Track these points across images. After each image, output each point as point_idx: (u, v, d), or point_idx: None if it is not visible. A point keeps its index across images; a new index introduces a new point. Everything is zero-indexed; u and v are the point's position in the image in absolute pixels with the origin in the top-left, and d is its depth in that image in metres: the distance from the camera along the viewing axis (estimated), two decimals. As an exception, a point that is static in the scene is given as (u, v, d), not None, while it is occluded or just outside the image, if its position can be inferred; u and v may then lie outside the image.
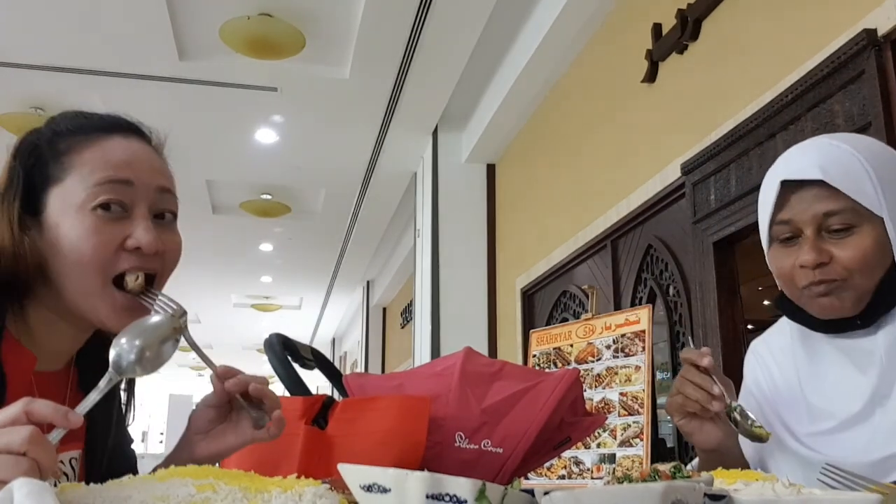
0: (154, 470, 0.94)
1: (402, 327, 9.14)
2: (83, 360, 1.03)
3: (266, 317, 12.77)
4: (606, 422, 2.66)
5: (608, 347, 2.78)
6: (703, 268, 2.89)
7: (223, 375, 0.94)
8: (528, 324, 4.77)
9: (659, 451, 3.07)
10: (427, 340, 5.53)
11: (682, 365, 1.15)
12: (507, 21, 4.39)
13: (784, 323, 1.24)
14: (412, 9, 4.18)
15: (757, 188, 2.63)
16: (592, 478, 2.62)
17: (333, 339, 14.75)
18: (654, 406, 2.95)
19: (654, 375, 2.92)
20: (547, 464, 2.60)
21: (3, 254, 0.92)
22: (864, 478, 0.88)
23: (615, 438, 2.61)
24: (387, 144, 5.93)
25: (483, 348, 5.25)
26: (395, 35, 4.45)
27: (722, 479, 0.82)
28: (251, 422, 0.95)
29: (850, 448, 1.06)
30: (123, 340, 0.81)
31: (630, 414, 2.62)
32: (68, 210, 0.93)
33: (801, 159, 1.12)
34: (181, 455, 0.97)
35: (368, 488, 0.66)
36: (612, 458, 2.59)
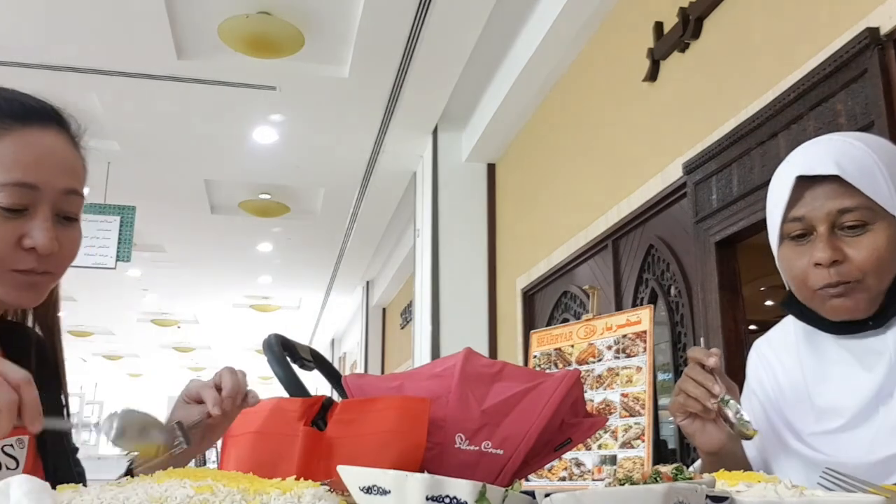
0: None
1: (402, 328, 9.14)
2: None
3: (265, 317, 12.77)
4: (607, 423, 2.65)
5: (609, 348, 2.77)
6: (705, 268, 2.88)
7: (220, 408, 0.99)
8: (529, 324, 4.76)
9: (660, 453, 3.06)
10: (427, 341, 5.53)
11: (689, 363, 1.14)
12: (507, 21, 4.39)
13: (788, 322, 1.23)
14: (412, 8, 4.17)
15: (759, 188, 2.64)
16: (593, 479, 2.61)
17: (333, 340, 14.75)
18: (656, 407, 2.94)
19: (655, 376, 2.91)
20: (548, 465, 2.59)
21: None
22: (863, 481, 0.87)
23: (616, 440, 2.60)
24: (386, 144, 5.93)
25: (483, 349, 5.25)
26: (394, 34, 4.45)
27: (724, 481, 0.81)
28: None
29: (853, 447, 1.06)
30: (116, 423, 0.86)
31: (631, 415, 2.61)
32: None
33: (815, 155, 1.11)
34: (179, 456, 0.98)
35: (368, 490, 0.66)
36: (613, 460, 2.58)
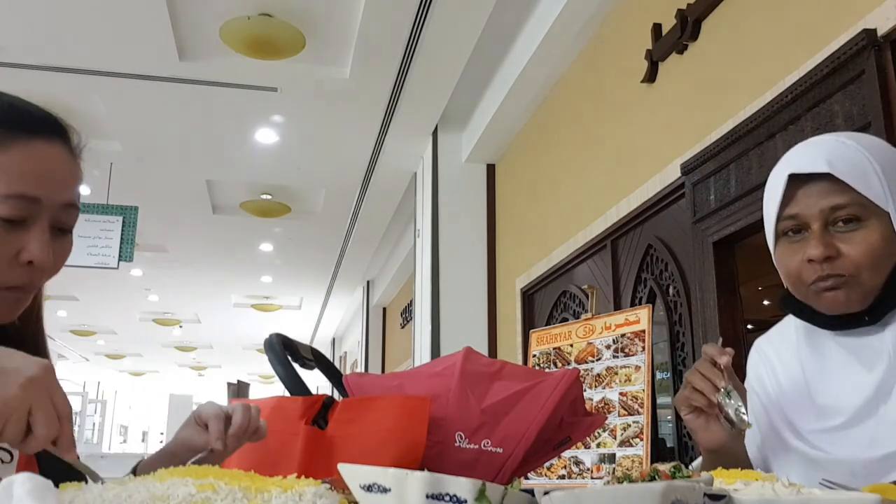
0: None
1: (402, 327, 9.14)
2: None
3: (266, 317, 12.77)
4: (606, 422, 2.66)
5: (608, 347, 2.78)
6: (703, 268, 2.89)
7: (224, 443, 1.00)
8: (528, 324, 4.77)
9: (659, 451, 3.07)
10: (427, 340, 5.53)
11: (702, 357, 1.15)
12: (507, 21, 4.39)
13: (789, 321, 1.24)
14: (412, 9, 4.18)
15: (757, 188, 2.64)
16: (592, 477, 2.62)
17: (333, 339, 14.75)
18: (654, 406, 2.95)
19: (653, 375, 2.92)
20: (547, 464, 2.60)
21: None
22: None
23: (615, 438, 2.61)
24: (387, 144, 5.93)
25: (483, 348, 5.25)
26: (395, 35, 4.45)
27: (722, 479, 0.82)
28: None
29: (854, 445, 1.06)
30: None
31: (630, 414, 2.62)
32: None
33: (808, 154, 1.12)
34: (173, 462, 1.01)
35: (368, 488, 0.66)
36: (611, 458, 2.59)
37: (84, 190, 1.04)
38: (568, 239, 4.25)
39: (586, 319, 2.92)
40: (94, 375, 19.85)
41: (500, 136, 5.35)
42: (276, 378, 1.36)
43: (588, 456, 2.67)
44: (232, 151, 6.35)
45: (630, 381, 2.66)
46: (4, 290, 0.93)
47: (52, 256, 0.94)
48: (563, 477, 2.74)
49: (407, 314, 8.60)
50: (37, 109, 0.99)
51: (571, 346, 2.94)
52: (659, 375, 3.25)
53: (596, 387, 2.76)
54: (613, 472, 0.88)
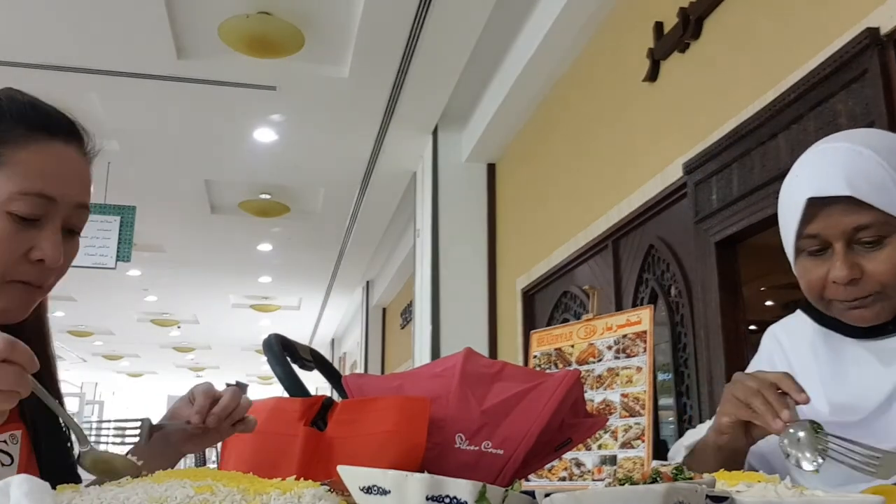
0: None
1: (402, 328, 9.14)
2: None
3: (265, 317, 12.77)
4: (607, 423, 2.65)
5: (609, 348, 2.77)
6: (705, 268, 2.88)
7: (203, 418, 1.02)
8: (529, 324, 4.76)
9: (660, 453, 3.06)
10: (427, 341, 5.53)
11: (764, 381, 1.06)
12: (507, 21, 4.39)
13: (803, 315, 1.23)
14: (412, 8, 4.17)
15: (760, 188, 2.64)
16: (593, 479, 2.61)
17: (333, 340, 14.75)
18: (656, 407, 2.94)
19: (655, 377, 2.91)
20: (548, 465, 2.59)
21: None
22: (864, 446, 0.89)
23: (616, 440, 2.60)
24: (386, 144, 5.93)
25: (483, 349, 5.25)
26: (394, 34, 4.45)
27: (724, 481, 0.81)
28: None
29: (867, 438, 1.06)
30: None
31: (631, 415, 2.61)
32: None
33: (827, 174, 1.08)
34: (166, 450, 1.05)
35: (368, 490, 0.66)
36: (613, 460, 2.58)
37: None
38: (569, 239, 4.24)
39: (587, 320, 2.90)
40: (91, 376, 19.86)
41: (501, 136, 5.35)
42: (275, 379, 1.35)
43: (589, 457, 2.66)
44: (230, 151, 6.35)
45: (631, 382, 2.65)
46: (15, 283, 0.95)
47: (62, 256, 0.96)
48: (564, 479, 2.73)
49: (407, 315, 8.60)
50: (56, 112, 1.02)
51: (572, 346, 2.93)
52: (661, 377, 3.24)
53: (597, 388, 2.75)
54: (615, 474, 0.88)
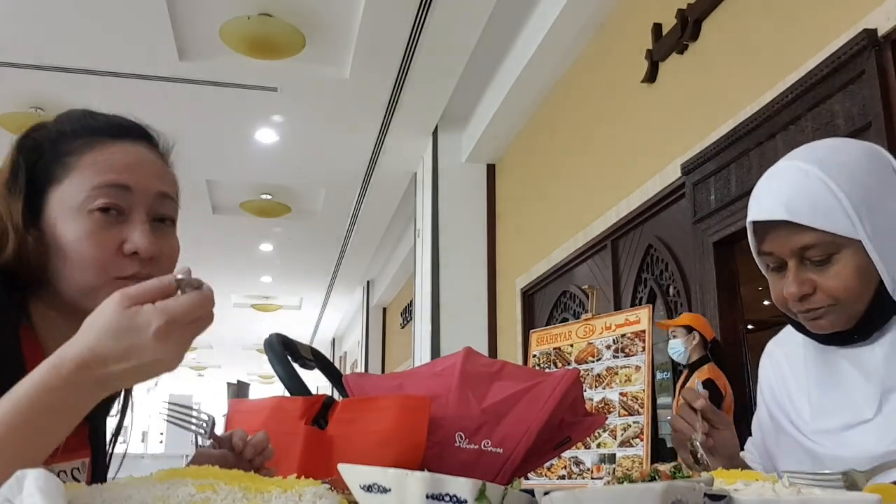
0: None
1: (402, 327, 9.14)
2: None
3: (266, 317, 12.77)
4: (606, 422, 2.66)
5: (608, 347, 2.78)
6: (704, 268, 2.89)
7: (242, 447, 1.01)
8: (528, 324, 4.77)
9: (659, 452, 3.07)
10: (427, 340, 5.53)
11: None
12: (507, 21, 4.39)
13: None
14: (412, 9, 4.18)
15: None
16: (592, 478, 2.62)
17: (333, 339, 14.75)
18: (654, 406, 2.94)
19: (654, 375, 2.91)
20: (547, 464, 2.60)
21: (6, 253, 0.91)
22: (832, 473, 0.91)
23: (615, 438, 2.61)
24: (387, 144, 5.93)
25: (483, 348, 5.25)
26: (395, 35, 4.45)
27: (722, 480, 0.82)
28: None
29: (856, 444, 1.07)
30: None
31: (630, 414, 2.61)
32: (66, 212, 0.92)
33: (767, 198, 1.10)
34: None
35: (368, 488, 0.66)
36: (612, 459, 2.59)
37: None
38: (568, 239, 4.25)
39: (586, 319, 2.91)
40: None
41: (500, 136, 5.36)
42: (276, 378, 1.36)
43: (588, 456, 2.67)
44: (232, 151, 6.35)
45: (630, 381, 2.66)
46: (120, 280, 0.94)
47: (154, 245, 0.95)
48: (563, 477, 2.74)
49: (407, 314, 8.60)
50: (121, 118, 1.03)
51: (571, 346, 2.94)
52: (659, 376, 3.25)
53: (596, 387, 2.76)
54: (614, 473, 0.88)
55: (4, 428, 0.68)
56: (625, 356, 2.66)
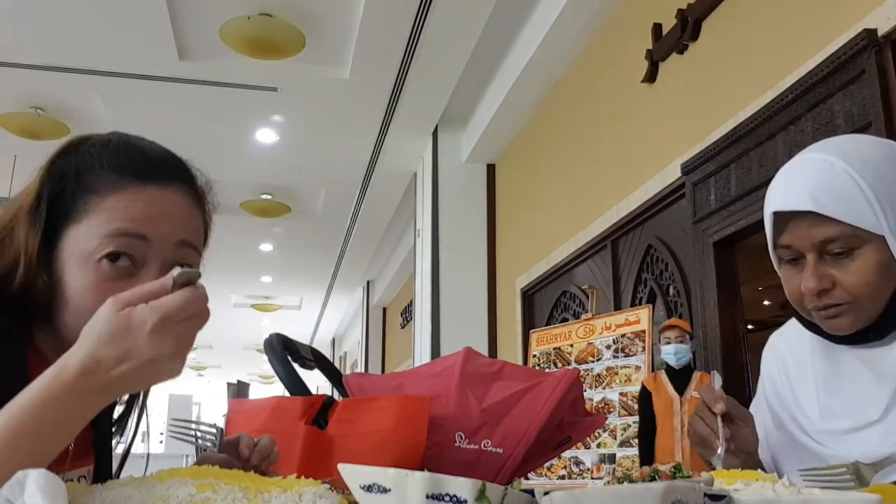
0: None
1: (402, 327, 9.15)
2: None
3: (266, 317, 12.77)
4: (606, 422, 2.66)
5: (608, 347, 2.78)
6: (704, 268, 2.89)
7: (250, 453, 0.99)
8: (529, 324, 4.77)
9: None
10: (427, 340, 5.53)
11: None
12: (507, 21, 4.39)
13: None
14: (412, 9, 4.18)
15: (757, 188, 2.65)
16: (592, 478, 2.62)
17: (333, 339, 14.75)
18: (654, 406, 2.94)
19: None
20: (547, 464, 2.60)
21: (15, 283, 0.88)
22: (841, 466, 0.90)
23: (615, 438, 2.61)
24: (387, 144, 5.93)
25: (483, 348, 5.25)
26: (395, 35, 4.45)
27: (722, 480, 0.82)
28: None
29: (861, 445, 1.06)
30: None
31: (630, 414, 2.62)
32: (77, 257, 0.88)
33: (792, 188, 1.08)
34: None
35: (368, 488, 0.66)
36: (612, 458, 2.59)
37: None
38: (568, 239, 4.25)
39: (586, 319, 2.92)
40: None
41: (500, 136, 5.36)
42: (276, 378, 1.36)
43: (588, 456, 2.67)
44: (232, 151, 6.35)
45: (630, 381, 2.66)
46: None
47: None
48: (563, 477, 2.74)
49: (407, 314, 8.60)
50: (154, 153, 0.96)
51: (571, 346, 2.94)
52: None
53: (596, 387, 2.76)
54: (613, 473, 0.88)
55: (8, 436, 0.68)
56: (625, 356, 2.66)
